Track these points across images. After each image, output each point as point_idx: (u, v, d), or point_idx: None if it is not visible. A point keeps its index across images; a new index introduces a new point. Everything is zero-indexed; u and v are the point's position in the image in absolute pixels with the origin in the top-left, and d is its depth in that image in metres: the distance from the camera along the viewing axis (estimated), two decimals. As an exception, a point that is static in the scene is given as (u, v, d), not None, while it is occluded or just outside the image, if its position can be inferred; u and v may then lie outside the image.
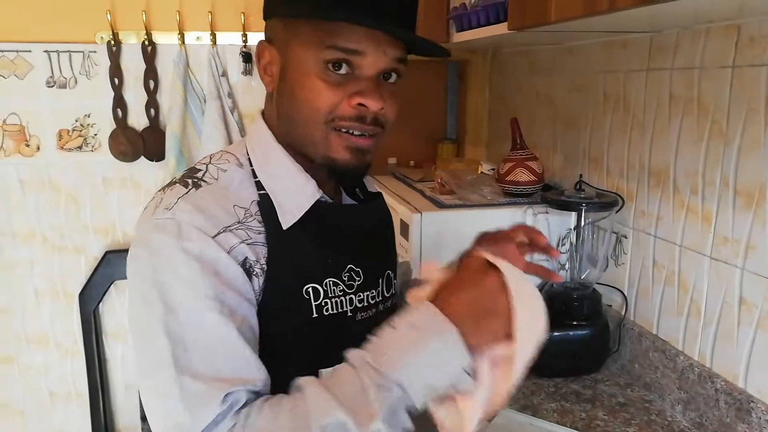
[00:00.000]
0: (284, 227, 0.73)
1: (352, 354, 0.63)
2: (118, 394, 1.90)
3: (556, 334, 1.31)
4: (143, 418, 1.80)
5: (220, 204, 0.70)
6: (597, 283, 1.40)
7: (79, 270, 1.86)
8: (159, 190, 0.75)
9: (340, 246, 0.77)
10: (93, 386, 1.79)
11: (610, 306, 1.40)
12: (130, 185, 1.88)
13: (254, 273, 0.70)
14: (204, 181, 0.73)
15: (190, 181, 0.73)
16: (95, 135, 1.84)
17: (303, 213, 0.74)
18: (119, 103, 1.81)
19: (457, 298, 0.64)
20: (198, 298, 0.65)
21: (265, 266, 0.70)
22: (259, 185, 0.74)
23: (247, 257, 0.69)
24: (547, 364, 1.31)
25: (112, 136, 1.84)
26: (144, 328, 0.67)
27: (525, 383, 1.29)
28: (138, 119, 1.86)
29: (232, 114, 1.88)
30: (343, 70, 0.69)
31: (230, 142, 1.85)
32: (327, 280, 0.74)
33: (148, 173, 1.89)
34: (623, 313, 1.35)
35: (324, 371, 0.68)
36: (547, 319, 0.67)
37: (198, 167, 0.76)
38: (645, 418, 1.16)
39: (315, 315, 0.73)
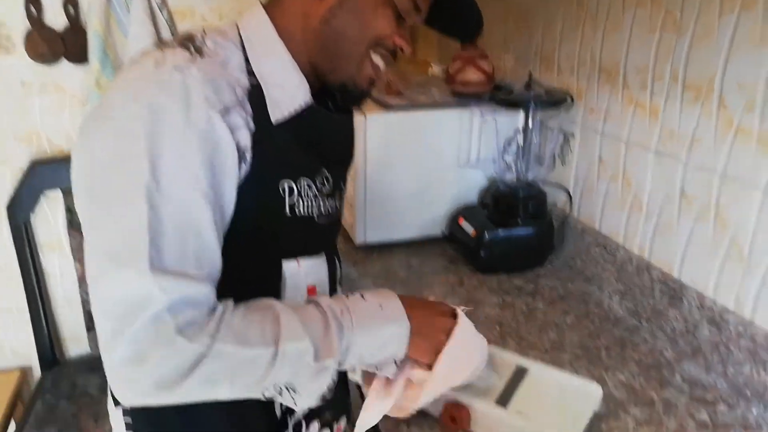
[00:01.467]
0: (273, 121, 0.71)
1: (322, 300, 0.69)
2: (59, 307, 1.85)
3: (501, 233, 1.33)
4: (89, 328, 1.77)
5: (225, 79, 0.66)
6: (543, 182, 1.40)
7: (5, 182, 1.74)
8: (155, 50, 0.68)
9: (318, 150, 0.77)
10: (32, 300, 1.73)
11: (555, 204, 1.42)
12: (52, 90, 1.73)
13: (243, 160, 0.67)
14: (203, 51, 0.68)
15: (190, 46, 0.67)
16: (9, 36, 1.65)
17: (294, 110, 0.73)
18: (32, -2, 1.62)
19: (415, 309, 0.74)
20: (188, 173, 0.62)
21: (251, 156, 0.68)
22: (251, 74, 0.71)
23: (240, 142, 0.67)
24: (491, 262, 1.34)
25: (28, 37, 1.66)
26: (118, 190, 0.61)
27: (469, 280, 1.32)
28: (56, 18, 1.68)
29: (162, 12, 1.71)
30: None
31: (160, 42, 1.70)
32: (302, 179, 0.74)
33: (71, 76, 1.73)
34: (568, 211, 1.37)
35: (287, 302, 0.69)
36: (470, 377, 0.79)
37: (193, 34, 0.70)
38: (583, 308, 1.20)
39: (288, 214, 0.73)
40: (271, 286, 0.76)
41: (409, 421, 0.87)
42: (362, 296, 0.72)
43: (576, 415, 0.82)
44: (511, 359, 0.93)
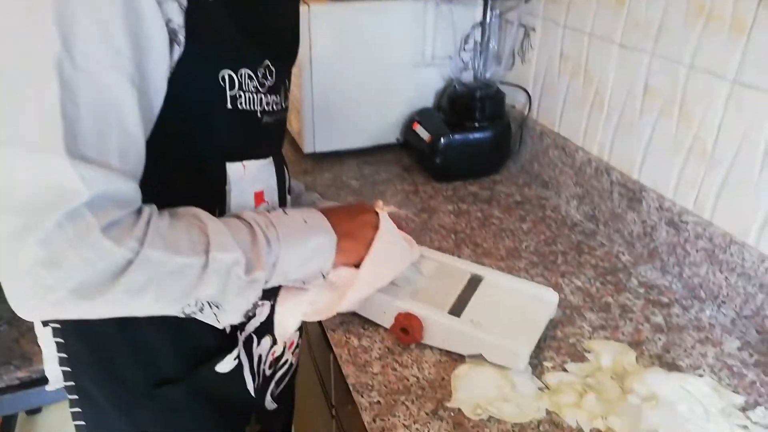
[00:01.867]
0: None
1: (247, 214, 0.64)
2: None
3: (457, 137, 1.25)
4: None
5: None
6: (501, 82, 1.32)
7: None
8: None
9: (260, 39, 0.67)
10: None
11: (514, 107, 1.34)
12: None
13: (176, 41, 0.56)
14: None
15: None
16: None
17: None
18: None
19: (339, 215, 0.72)
20: (108, 46, 0.50)
21: (184, 37, 0.57)
22: None
23: (171, 18, 0.55)
24: (447, 169, 1.28)
25: None
26: (23, 66, 0.49)
27: (424, 188, 1.25)
28: None
29: None
30: None
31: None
32: (243, 70, 0.65)
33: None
34: (526, 113, 1.30)
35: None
36: (395, 274, 0.79)
37: None
38: (540, 214, 1.16)
39: (230, 107, 0.64)
40: (215, 191, 0.68)
41: (359, 334, 0.83)
42: (284, 211, 0.68)
43: (532, 323, 0.80)
44: (465, 268, 0.89)
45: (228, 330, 0.74)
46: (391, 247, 0.77)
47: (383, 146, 1.40)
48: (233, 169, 0.68)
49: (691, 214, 0.92)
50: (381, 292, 0.79)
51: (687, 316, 0.89)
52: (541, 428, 0.70)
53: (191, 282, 0.56)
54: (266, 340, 0.82)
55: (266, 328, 0.80)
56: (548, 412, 0.72)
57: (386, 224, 0.76)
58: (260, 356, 0.83)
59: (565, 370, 0.77)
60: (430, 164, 1.29)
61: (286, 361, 0.89)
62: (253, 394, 0.81)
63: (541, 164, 1.26)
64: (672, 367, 0.79)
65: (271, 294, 0.79)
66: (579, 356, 0.80)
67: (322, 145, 1.35)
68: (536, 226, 1.12)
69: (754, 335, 0.83)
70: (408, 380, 0.76)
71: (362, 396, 0.73)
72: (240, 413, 0.85)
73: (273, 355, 0.86)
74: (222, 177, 0.67)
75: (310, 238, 0.67)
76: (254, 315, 0.70)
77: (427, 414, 0.71)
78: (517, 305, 0.82)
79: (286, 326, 0.79)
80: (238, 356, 0.77)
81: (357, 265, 0.73)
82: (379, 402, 0.72)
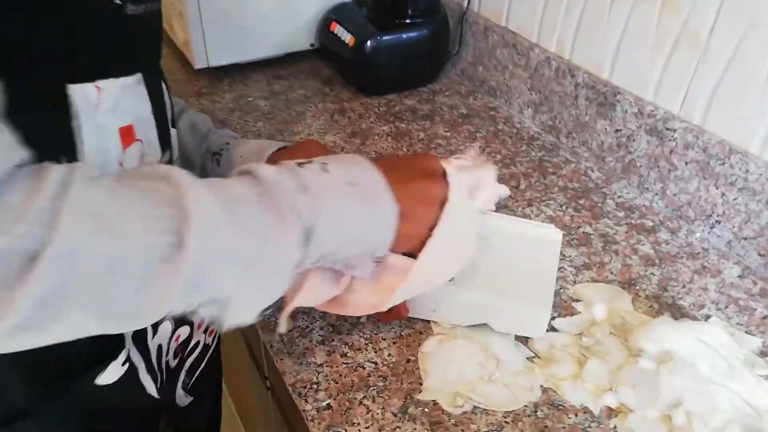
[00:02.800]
0: None
1: (262, 170, 0.43)
2: None
3: (386, 38, 1.02)
4: None
5: None
6: (434, -33, 1.08)
7: None
8: None
9: None
10: None
11: (449, -3, 1.12)
12: None
13: None
14: None
15: None
16: None
17: None
18: None
19: (397, 175, 0.49)
20: None
21: None
22: None
23: None
24: (376, 79, 1.06)
25: None
26: None
27: (351, 105, 1.03)
28: None
29: None
30: None
31: None
32: None
33: None
34: (466, 4, 1.07)
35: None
36: (461, 265, 0.56)
37: None
38: (491, 128, 0.98)
39: None
40: (54, 132, 0.43)
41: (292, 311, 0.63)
42: (324, 166, 0.46)
43: (540, 273, 0.62)
44: None
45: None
46: (461, 227, 0.54)
47: (296, 54, 1.14)
48: (81, 93, 0.43)
49: (678, 120, 0.77)
50: None
51: (677, 241, 0.76)
52: (539, 413, 0.55)
53: (168, 279, 0.36)
54: (165, 326, 0.62)
55: None
56: (544, 390, 0.57)
57: (457, 193, 0.53)
58: (159, 347, 0.63)
59: (553, 328, 0.63)
60: (355, 74, 1.06)
61: (198, 343, 0.70)
62: (156, 395, 0.61)
63: (487, 67, 1.06)
64: (674, 309, 0.66)
65: None
66: (567, 308, 0.65)
67: (217, 57, 1.08)
68: (489, 144, 0.94)
69: (756, 259, 0.72)
70: (364, 369, 0.58)
71: (306, 400, 0.55)
72: (141, 421, 0.65)
73: (177, 340, 0.66)
74: (63, 107, 0.43)
75: (359, 210, 0.46)
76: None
77: (394, 414, 0.54)
78: (515, 253, 0.65)
79: (303, 301, 0.54)
80: (128, 359, 0.56)
81: (409, 253, 0.52)
82: (329, 406, 0.55)
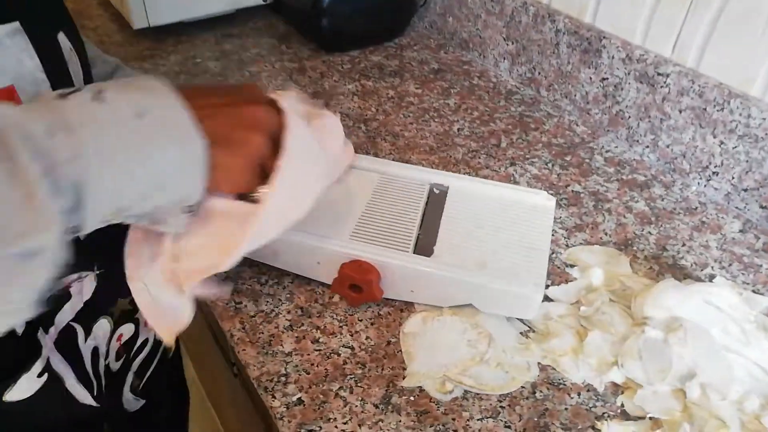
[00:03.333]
0: None
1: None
2: None
3: (347, -12, 0.92)
4: None
5: None
6: None
7: None
8: None
9: None
10: None
11: (414, -57, 1.02)
12: None
13: None
14: None
15: None
16: None
17: None
18: None
19: (203, 101, 0.38)
20: None
21: None
22: None
23: None
24: (338, 34, 0.96)
25: None
26: None
27: (311, 63, 0.94)
28: None
29: None
30: None
31: None
32: None
33: None
34: (432, -51, 0.98)
35: None
36: (312, 200, 0.46)
37: None
38: (466, 83, 0.90)
39: None
40: None
41: (255, 293, 0.56)
42: (98, 94, 0.34)
43: (531, 247, 0.55)
44: (418, 176, 0.62)
45: (19, 331, 0.45)
46: (306, 157, 0.45)
47: (247, 10, 1.04)
48: None
49: (671, 64, 0.70)
50: (302, 230, 0.51)
51: (672, 196, 0.70)
52: (538, 395, 0.49)
53: None
54: (102, 324, 0.53)
55: (98, 309, 0.52)
56: (542, 368, 0.51)
57: (294, 120, 0.43)
58: (95, 350, 0.54)
59: (547, 297, 0.56)
60: (315, 29, 0.96)
61: (146, 341, 0.61)
62: (93, 403, 0.53)
63: (458, 18, 0.98)
64: (675, 270, 0.60)
65: (89, 258, 0.49)
66: (560, 274, 0.59)
67: (159, 15, 0.97)
68: (465, 100, 0.86)
69: (757, 212, 0.66)
70: (339, 356, 0.51)
71: (274, 396, 0.48)
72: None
73: (120, 340, 0.57)
74: None
75: (151, 150, 0.35)
76: (63, 295, 0.43)
77: (376, 406, 0.47)
78: (503, 222, 0.57)
79: (160, 305, 0.46)
80: (47, 369, 0.48)
81: (243, 195, 0.43)
82: (300, 401, 0.47)
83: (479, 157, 0.74)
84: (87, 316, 0.50)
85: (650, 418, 0.47)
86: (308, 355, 0.51)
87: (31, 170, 0.28)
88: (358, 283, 0.52)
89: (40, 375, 0.46)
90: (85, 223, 0.33)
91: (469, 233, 0.56)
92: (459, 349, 0.51)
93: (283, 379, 0.49)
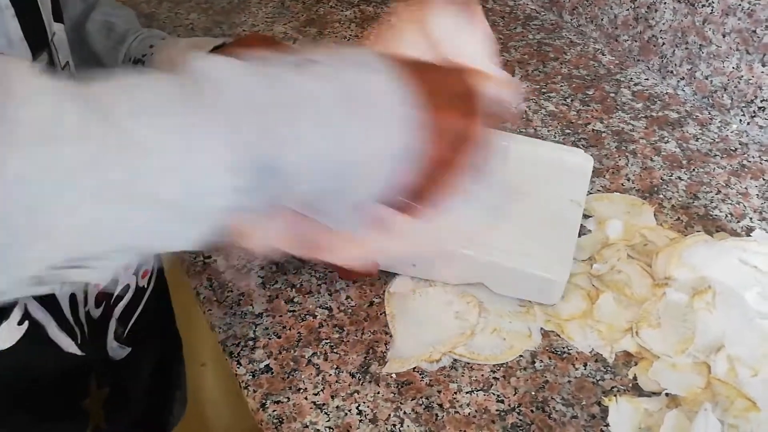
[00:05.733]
0: None
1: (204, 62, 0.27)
2: None
3: None
4: None
5: None
6: None
7: None
8: None
9: None
10: None
11: None
12: None
13: None
14: None
15: None
16: None
17: None
18: None
19: (431, 93, 0.31)
20: None
21: None
22: None
23: None
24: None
25: None
26: None
27: (309, -12, 0.84)
28: None
29: None
30: None
31: None
32: None
33: None
34: None
35: None
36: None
37: None
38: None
39: None
40: None
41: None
42: (310, 63, 0.29)
43: (557, 218, 0.47)
44: None
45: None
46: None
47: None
48: None
49: (716, -22, 0.60)
50: None
51: (708, 135, 0.61)
52: (537, 365, 0.43)
53: None
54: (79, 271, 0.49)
55: None
56: (545, 334, 0.45)
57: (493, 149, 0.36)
58: (73, 297, 0.51)
59: (556, 253, 0.49)
60: (312, -50, 0.86)
61: (127, 287, 0.57)
62: (78, 351, 0.50)
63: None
64: (707, 221, 0.52)
65: None
66: (573, 226, 0.52)
67: (143, -64, 0.88)
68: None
69: (809, 153, 0.58)
70: (314, 318, 0.45)
71: (240, 362, 0.43)
72: (63, 383, 0.54)
73: (98, 286, 0.53)
74: None
75: (356, 136, 0.30)
76: None
77: (352, 375, 0.42)
78: (529, 186, 0.49)
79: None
80: (27, 317, 0.44)
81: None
82: (268, 368, 0.42)
83: (488, 92, 0.66)
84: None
85: (666, 395, 0.40)
86: (280, 316, 0.45)
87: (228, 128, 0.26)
88: None
89: (20, 323, 0.43)
90: (255, 203, 0.28)
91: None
92: (446, 323, 0.45)
93: (250, 343, 0.44)
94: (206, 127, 0.26)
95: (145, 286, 0.61)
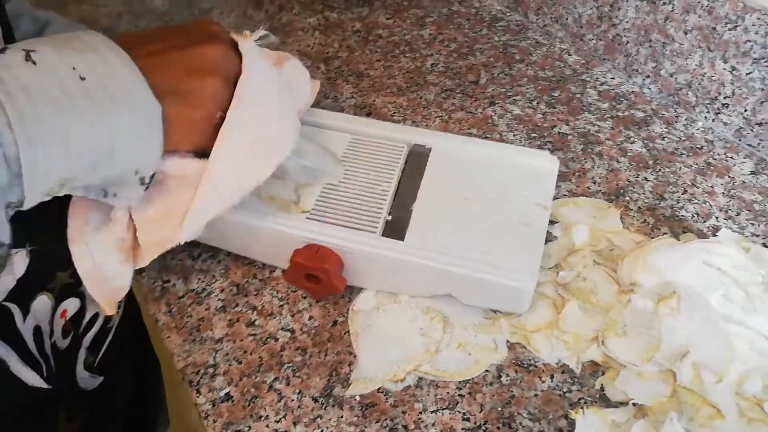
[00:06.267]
0: None
1: None
2: None
3: None
4: None
5: None
6: None
7: None
8: None
9: None
10: None
11: None
12: None
13: None
14: None
15: None
16: None
17: None
18: None
19: (150, 49, 0.35)
20: None
21: None
22: None
23: None
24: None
25: None
26: None
27: (271, -4, 0.83)
28: None
29: None
30: None
31: None
32: None
33: None
34: None
35: None
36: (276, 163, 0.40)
37: None
38: (444, 10, 0.79)
39: None
40: None
41: (185, 269, 0.49)
42: (30, 54, 0.30)
43: (524, 224, 0.46)
44: (397, 136, 0.52)
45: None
46: (268, 102, 0.40)
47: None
48: None
49: (675, -24, 0.59)
50: (250, 208, 0.44)
51: (674, 134, 0.61)
52: (503, 379, 0.42)
53: None
54: (41, 301, 0.48)
55: (34, 286, 0.47)
56: (510, 346, 0.44)
57: (254, 59, 0.38)
58: (37, 329, 0.50)
59: (522, 261, 0.49)
60: (274, -43, 0.85)
61: (96, 315, 0.56)
62: (43, 384, 0.49)
63: (436, -67, 0.85)
64: (673, 222, 0.52)
65: (19, 233, 0.43)
66: (539, 233, 0.51)
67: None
68: (442, 30, 0.76)
69: (774, 149, 0.57)
70: (276, 340, 0.45)
71: (199, 391, 0.42)
72: (31, 418, 0.53)
73: (64, 316, 0.52)
74: None
75: (97, 109, 0.31)
76: None
77: (315, 399, 0.41)
78: (493, 192, 0.48)
79: (101, 271, 0.42)
80: None
81: (201, 153, 0.38)
82: (229, 396, 0.41)
83: (454, 97, 0.65)
84: (22, 294, 0.46)
85: (633, 404, 0.40)
86: (241, 341, 0.44)
87: None
88: (314, 272, 0.44)
89: None
90: (27, 197, 0.30)
91: (452, 207, 0.47)
92: (410, 340, 0.44)
93: (210, 370, 0.43)
94: None
95: (116, 313, 0.60)
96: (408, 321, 0.45)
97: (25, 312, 0.47)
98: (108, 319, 0.58)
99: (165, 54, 0.35)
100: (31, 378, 0.49)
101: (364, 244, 0.44)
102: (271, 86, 0.40)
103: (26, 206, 0.31)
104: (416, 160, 0.51)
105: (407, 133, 0.53)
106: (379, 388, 0.41)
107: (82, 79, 0.30)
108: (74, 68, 0.30)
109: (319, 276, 0.44)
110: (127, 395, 0.68)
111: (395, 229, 0.45)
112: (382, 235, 0.45)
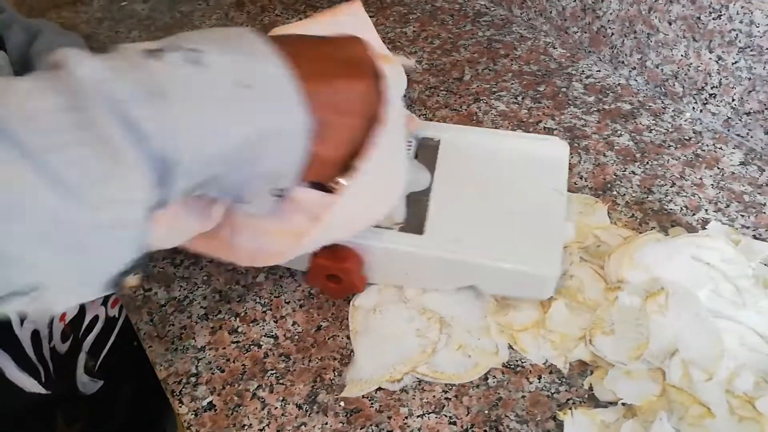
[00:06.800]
0: None
1: (81, 63, 0.26)
2: None
3: None
4: None
5: None
6: None
7: None
8: None
9: None
10: None
11: None
12: None
13: None
14: None
15: None
16: None
17: None
18: None
19: (316, 70, 0.32)
20: None
21: None
22: None
23: None
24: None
25: None
26: None
27: (253, -3, 0.82)
28: None
29: None
30: None
31: None
32: None
33: None
34: None
35: None
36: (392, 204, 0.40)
37: None
38: (427, 7, 0.79)
39: None
40: None
41: (168, 278, 0.48)
42: (194, 55, 0.28)
43: (542, 211, 0.45)
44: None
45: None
46: (392, 153, 0.39)
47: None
48: None
49: (659, -34, 0.58)
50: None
51: (662, 126, 0.60)
52: (490, 381, 0.41)
53: None
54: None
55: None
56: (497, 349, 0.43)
57: (395, 105, 0.36)
58: (35, 334, 0.49)
59: (508, 260, 0.48)
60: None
61: (96, 318, 0.56)
62: (41, 390, 0.49)
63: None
64: (661, 216, 0.51)
65: None
66: (525, 231, 0.51)
67: (80, -47, 0.85)
68: (425, 27, 0.75)
69: (762, 138, 0.56)
70: (259, 347, 0.44)
71: (182, 401, 0.41)
72: (28, 424, 0.52)
73: (63, 320, 0.52)
74: None
75: (255, 119, 0.29)
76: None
77: (299, 407, 0.40)
78: (507, 181, 0.47)
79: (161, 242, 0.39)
80: None
81: (325, 185, 0.37)
82: (211, 406, 0.41)
83: (438, 95, 0.64)
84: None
85: (623, 404, 0.39)
86: (224, 348, 0.44)
87: (119, 140, 0.25)
88: (336, 273, 0.43)
89: None
90: (170, 197, 0.29)
91: (467, 197, 0.46)
92: (406, 341, 0.43)
93: (192, 379, 0.42)
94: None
95: (116, 316, 0.60)
96: (405, 321, 0.44)
97: (21, 320, 0.47)
98: (109, 322, 0.58)
99: (327, 82, 0.33)
100: (29, 384, 0.49)
101: (383, 240, 0.43)
102: (401, 124, 0.39)
103: (166, 207, 0.29)
104: (426, 154, 0.50)
105: (414, 122, 0.51)
106: (365, 394, 0.41)
107: (243, 86, 0.29)
108: (238, 75, 0.29)
109: (340, 276, 0.43)
110: (127, 400, 0.67)
111: (413, 223, 0.44)
112: (400, 229, 0.44)
